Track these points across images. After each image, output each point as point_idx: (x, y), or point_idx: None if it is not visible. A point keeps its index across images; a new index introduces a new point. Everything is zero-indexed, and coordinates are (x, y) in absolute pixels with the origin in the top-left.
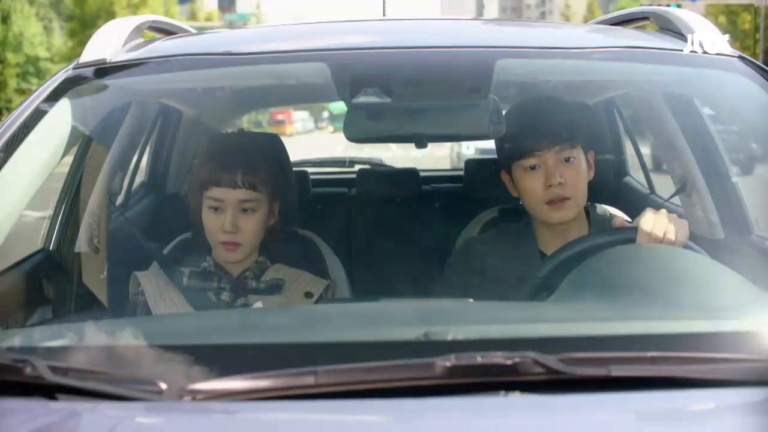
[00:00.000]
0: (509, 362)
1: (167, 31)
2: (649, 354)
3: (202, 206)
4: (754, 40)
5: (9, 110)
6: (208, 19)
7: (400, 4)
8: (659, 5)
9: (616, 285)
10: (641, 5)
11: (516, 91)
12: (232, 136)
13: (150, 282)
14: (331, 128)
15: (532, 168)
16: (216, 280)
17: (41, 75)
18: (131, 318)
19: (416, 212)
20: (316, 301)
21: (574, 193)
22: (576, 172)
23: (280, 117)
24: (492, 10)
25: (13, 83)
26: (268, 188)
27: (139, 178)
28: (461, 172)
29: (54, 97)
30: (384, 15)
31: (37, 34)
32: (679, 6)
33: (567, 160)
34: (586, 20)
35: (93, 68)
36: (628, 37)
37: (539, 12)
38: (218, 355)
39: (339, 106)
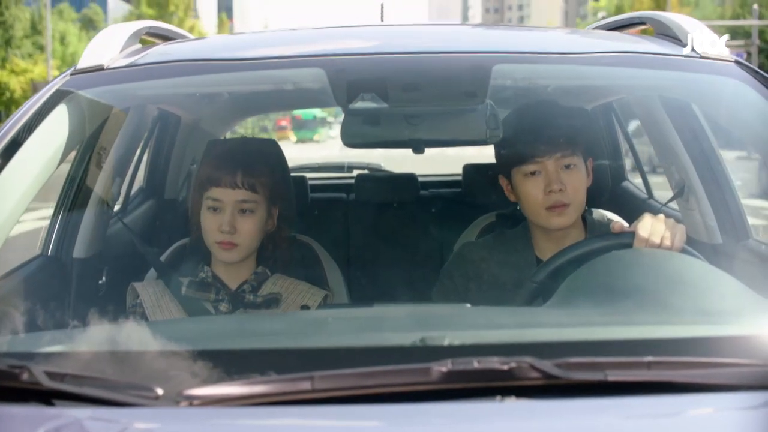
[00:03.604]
0: (505, 367)
1: (165, 37)
2: (646, 359)
3: (201, 208)
4: None
5: None
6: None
7: (388, 3)
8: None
9: (613, 290)
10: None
11: (513, 96)
12: (233, 141)
13: (148, 292)
14: (293, 138)
15: (533, 174)
16: (214, 292)
17: None
18: (128, 324)
19: (414, 217)
20: None
21: (574, 199)
22: (576, 178)
23: (283, 123)
24: (476, 11)
25: None
26: (266, 191)
27: (137, 183)
28: (459, 177)
29: (52, 103)
30: (382, 21)
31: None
32: None
33: (567, 166)
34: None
35: (91, 74)
36: (625, 41)
37: (519, 15)
38: (215, 361)
39: (308, 112)
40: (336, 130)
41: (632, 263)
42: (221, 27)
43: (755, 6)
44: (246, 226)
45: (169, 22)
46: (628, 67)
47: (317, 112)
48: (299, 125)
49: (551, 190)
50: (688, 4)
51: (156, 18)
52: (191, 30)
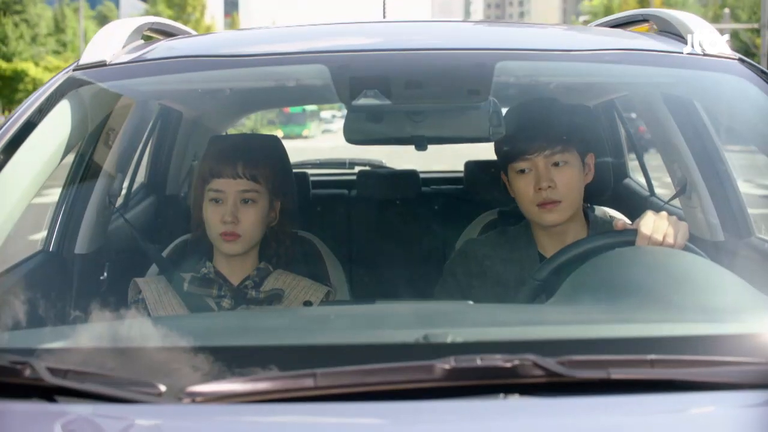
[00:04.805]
0: (508, 365)
1: (167, 33)
2: (649, 357)
3: (203, 202)
4: None
5: None
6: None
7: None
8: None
9: (616, 287)
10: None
11: (516, 93)
12: (234, 137)
13: (150, 288)
14: (279, 132)
15: (523, 171)
16: (216, 288)
17: None
18: (131, 320)
19: (416, 214)
20: None
21: (566, 197)
22: (567, 175)
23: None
24: (477, 6)
25: None
26: (267, 182)
27: (139, 179)
28: (461, 174)
29: (54, 98)
30: (384, 17)
31: None
32: None
33: (558, 163)
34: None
35: (93, 70)
36: (628, 38)
37: (519, 11)
38: (217, 358)
39: (295, 107)
40: (338, 124)
41: (635, 261)
42: (233, 26)
43: (726, 10)
44: (248, 216)
45: (186, 22)
46: (630, 65)
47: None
48: (286, 119)
49: (540, 187)
50: (674, 6)
51: (174, 18)
52: (208, 30)
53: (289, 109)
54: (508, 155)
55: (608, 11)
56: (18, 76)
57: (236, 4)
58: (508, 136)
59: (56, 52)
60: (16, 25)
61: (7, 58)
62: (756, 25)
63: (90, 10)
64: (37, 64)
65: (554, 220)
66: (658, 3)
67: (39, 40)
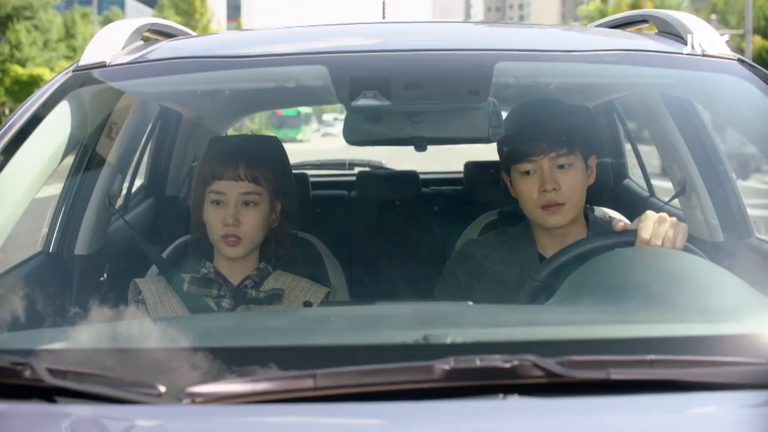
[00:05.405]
0: (508, 365)
1: (167, 34)
2: (649, 357)
3: (204, 204)
4: None
5: None
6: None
7: (391, 1)
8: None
9: (615, 288)
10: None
11: (515, 93)
12: (235, 138)
13: (150, 289)
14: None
15: (528, 173)
16: (216, 288)
17: None
18: (130, 321)
19: (416, 215)
20: None
21: (569, 199)
22: (572, 178)
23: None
24: (478, 9)
25: None
26: (269, 184)
27: (139, 180)
28: (461, 175)
29: (54, 99)
30: (384, 18)
31: None
32: None
33: (562, 166)
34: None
35: (93, 71)
36: (627, 39)
37: (519, 14)
38: (217, 358)
39: (290, 109)
40: (339, 127)
41: (634, 261)
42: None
43: (713, 16)
44: (250, 219)
45: (194, 28)
46: (630, 65)
47: (301, 107)
48: (279, 122)
49: (545, 189)
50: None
51: (183, 24)
52: None
53: (282, 112)
54: (512, 156)
55: (604, 15)
56: (34, 81)
57: (239, 8)
58: (512, 137)
59: (67, 57)
60: (28, 31)
61: (21, 63)
62: (741, 31)
63: (97, 16)
64: (52, 69)
65: (558, 222)
66: (651, 7)
67: (50, 46)
